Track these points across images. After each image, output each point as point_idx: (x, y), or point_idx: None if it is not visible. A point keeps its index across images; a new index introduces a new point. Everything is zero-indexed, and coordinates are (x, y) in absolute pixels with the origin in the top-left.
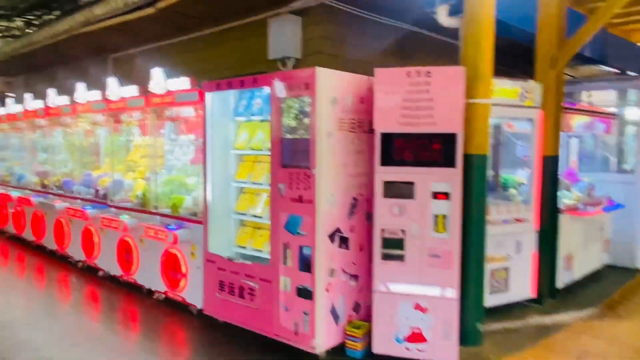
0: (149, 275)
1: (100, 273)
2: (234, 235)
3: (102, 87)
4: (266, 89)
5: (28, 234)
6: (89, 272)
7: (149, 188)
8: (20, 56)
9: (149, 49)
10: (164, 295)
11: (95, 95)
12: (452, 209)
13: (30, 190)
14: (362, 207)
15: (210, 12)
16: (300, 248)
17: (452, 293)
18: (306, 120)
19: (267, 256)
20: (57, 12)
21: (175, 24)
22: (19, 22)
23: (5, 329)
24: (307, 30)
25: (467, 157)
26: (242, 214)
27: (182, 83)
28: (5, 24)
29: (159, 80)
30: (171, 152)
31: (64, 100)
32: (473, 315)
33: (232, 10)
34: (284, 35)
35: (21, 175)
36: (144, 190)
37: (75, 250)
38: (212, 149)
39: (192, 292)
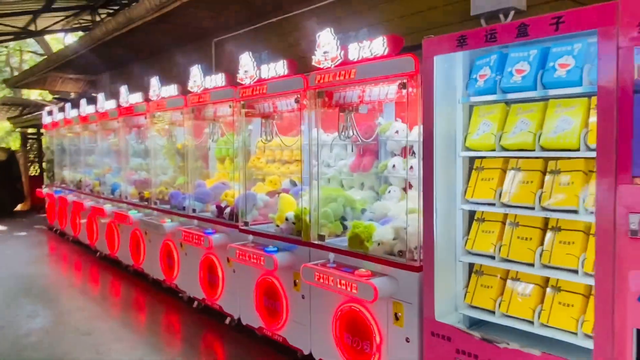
0: (319, 343)
1: (227, 320)
2: (460, 290)
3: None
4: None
5: (125, 256)
6: (207, 315)
7: (305, 209)
8: (114, 41)
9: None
10: None
11: (210, 81)
12: None
13: (127, 203)
14: None
15: None
16: None
17: None
18: None
19: (571, 340)
20: None
21: None
22: (103, 14)
23: None
24: None
25: None
26: (479, 255)
27: (378, 45)
28: (89, 17)
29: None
30: (314, 156)
31: (169, 91)
32: None
33: None
34: None
35: (115, 185)
36: (297, 211)
37: (187, 284)
38: (437, 148)
39: None
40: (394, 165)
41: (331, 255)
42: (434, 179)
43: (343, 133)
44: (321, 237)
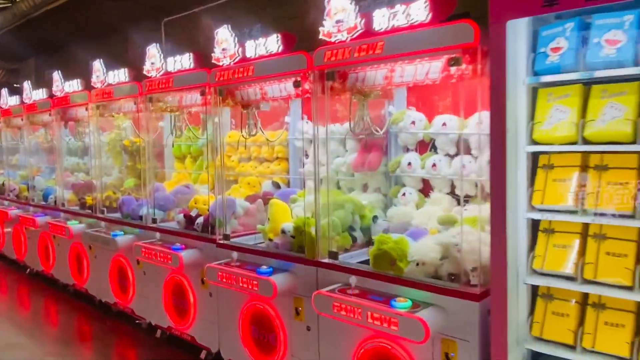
0: None
1: (202, 354)
2: (523, 319)
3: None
4: None
5: (63, 273)
6: (175, 347)
7: (308, 219)
8: (44, 17)
9: None
10: None
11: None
12: None
13: (65, 212)
14: None
15: None
16: None
17: None
18: None
19: None
20: None
21: None
22: None
23: None
24: None
25: None
26: (550, 275)
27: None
28: None
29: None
30: (321, 151)
31: (118, 76)
32: None
33: None
34: None
35: (48, 190)
36: (297, 222)
37: (147, 309)
38: (510, 140)
39: None
40: (409, 163)
41: (353, 280)
42: (506, 181)
43: (358, 124)
44: (333, 255)
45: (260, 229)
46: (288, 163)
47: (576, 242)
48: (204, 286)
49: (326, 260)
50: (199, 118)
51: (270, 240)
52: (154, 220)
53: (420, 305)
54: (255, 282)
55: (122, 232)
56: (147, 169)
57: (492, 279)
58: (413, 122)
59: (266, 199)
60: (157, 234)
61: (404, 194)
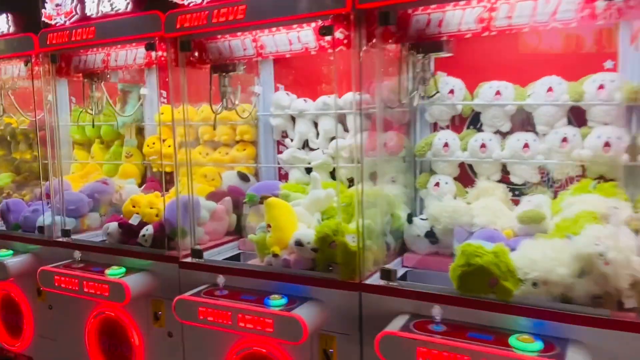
0: None
1: None
2: None
3: None
4: None
5: None
6: None
7: (342, 226)
8: None
9: None
10: None
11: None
12: None
13: None
14: None
15: None
16: None
17: None
18: None
19: None
20: None
21: None
22: None
23: None
24: None
25: None
26: None
27: None
28: None
29: None
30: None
31: None
32: None
33: None
34: None
35: None
36: (321, 230)
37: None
38: None
39: None
40: (446, 144)
41: (436, 311)
42: None
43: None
44: (386, 274)
45: (255, 239)
46: (256, 148)
47: None
48: (156, 324)
49: (376, 282)
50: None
51: (276, 256)
52: (66, 233)
53: (554, 346)
54: (268, 321)
55: (12, 252)
56: (48, 157)
57: None
58: (451, 91)
59: (234, 196)
60: (76, 253)
61: (436, 184)
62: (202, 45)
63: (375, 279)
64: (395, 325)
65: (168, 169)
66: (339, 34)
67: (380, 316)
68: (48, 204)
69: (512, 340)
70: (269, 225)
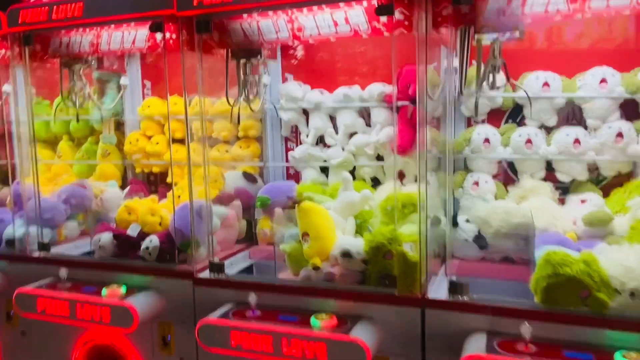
0: None
1: None
2: None
3: None
4: None
5: None
6: None
7: (397, 234)
8: None
9: None
10: None
11: None
12: None
13: None
14: None
15: None
16: None
17: None
18: None
19: None
20: None
21: None
22: None
23: None
24: None
25: None
26: None
27: None
28: None
29: None
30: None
31: None
32: None
33: None
34: None
35: None
36: (372, 239)
37: None
38: None
39: None
40: (486, 139)
41: (526, 329)
42: None
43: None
44: (456, 287)
45: (289, 249)
46: (260, 145)
47: None
48: (165, 350)
49: (442, 296)
50: None
51: (317, 268)
52: (44, 246)
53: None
54: (321, 346)
55: None
56: (8, 157)
57: None
58: None
59: (243, 200)
60: (62, 271)
61: (475, 183)
62: (223, 26)
63: (439, 293)
64: (473, 348)
65: (155, 170)
66: (398, 15)
67: (448, 336)
68: (17, 212)
69: (618, 357)
70: (305, 234)
